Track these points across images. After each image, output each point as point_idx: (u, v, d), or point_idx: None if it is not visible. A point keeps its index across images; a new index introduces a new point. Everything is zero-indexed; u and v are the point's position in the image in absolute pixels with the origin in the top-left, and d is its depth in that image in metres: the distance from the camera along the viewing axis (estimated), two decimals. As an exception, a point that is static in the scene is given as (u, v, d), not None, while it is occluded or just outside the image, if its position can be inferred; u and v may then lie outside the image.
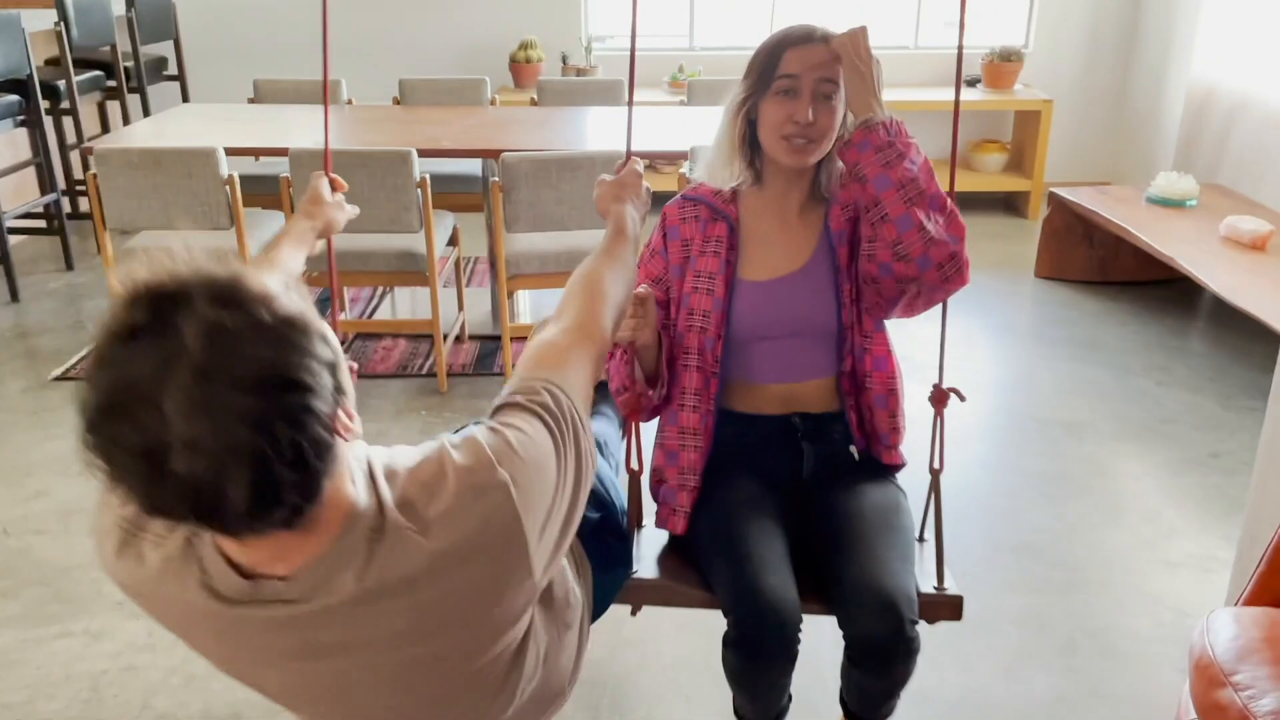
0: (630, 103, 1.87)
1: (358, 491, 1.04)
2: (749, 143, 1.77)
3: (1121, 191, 4.70)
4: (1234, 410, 3.52)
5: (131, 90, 5.45)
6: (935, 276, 1.67)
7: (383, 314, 4.46)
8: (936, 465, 1.82)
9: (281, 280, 0.97)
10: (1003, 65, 5.61)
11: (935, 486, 1.83)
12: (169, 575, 1.07)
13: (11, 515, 2.93)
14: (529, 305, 4.37)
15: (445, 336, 3.84)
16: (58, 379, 3.77)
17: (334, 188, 1.89)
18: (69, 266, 4.85)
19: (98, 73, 5.25)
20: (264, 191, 3.92)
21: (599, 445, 1.86)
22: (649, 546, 1.90)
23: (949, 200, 1.68)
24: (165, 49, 5.80)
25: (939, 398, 1.84)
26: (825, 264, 1.80)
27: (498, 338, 3.97)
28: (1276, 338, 3.18)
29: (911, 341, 4.08)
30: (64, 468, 3.17)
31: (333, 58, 6.47)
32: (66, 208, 5.08)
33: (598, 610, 1.67)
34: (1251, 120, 4.66)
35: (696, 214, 1.84)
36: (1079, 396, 3.64)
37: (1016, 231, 5.51)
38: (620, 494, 1.84)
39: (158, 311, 0.88)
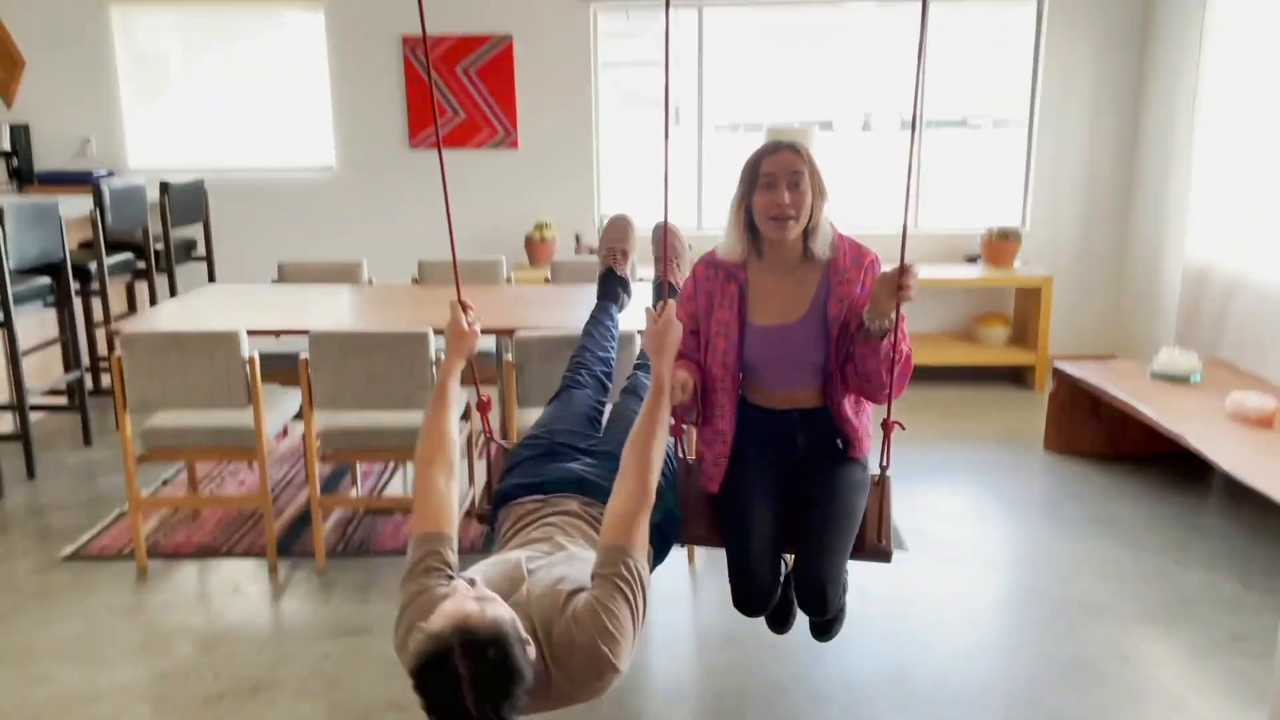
0: (665, 263, 2.67)
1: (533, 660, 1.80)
2: (749, 228, 2.49)
3: (1125, 366, 4.77)
4: (1254, 590, 3.46)
5: (160, 270, 5.65)
6: (881, 401, 2.49)
7: (393, 489, 4.47)
8: (885, 464, 2.55)
9: (494, 606, 1.77)
10: (1001, 244, 5.79)
11: (882, 482, 2.58)
12: None
13: (11, 702, 2.88)
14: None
15: (456, 513, 3.83)
16: (68, 558, 3.76)
17: (465, 310, 2.47)
18: (87, 442, 4.92)
19: (128, 255, 5.46)
20: (283, 368, 4.02)
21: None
22: (693, 505, 2.64)
23: (909, 365, 2.43)
24: (194, 230, 6.05)
25: (887, 427, 2.45)
26: (817, 323, 2.49)
27: (508, 514, 3.96)
28: (1291, 517, 3.15)
29: (925, 513, 4.07)
30: (67, 652, 3.13)
31: (354, 238, 6.77)
32: (88, 384, 5.19)
33: (659, 561, 2.39)
34: (1249, 297, 4.76)
35: (716, 274, 2.56)
36: (1096, 575, 3.59)
37: (1024, 403, 5.55)
38: (669, 471, 2.51)
39: (442, 660, 1.66)
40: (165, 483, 4.49)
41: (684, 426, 2.61)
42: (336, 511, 4.11)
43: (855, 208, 6.07)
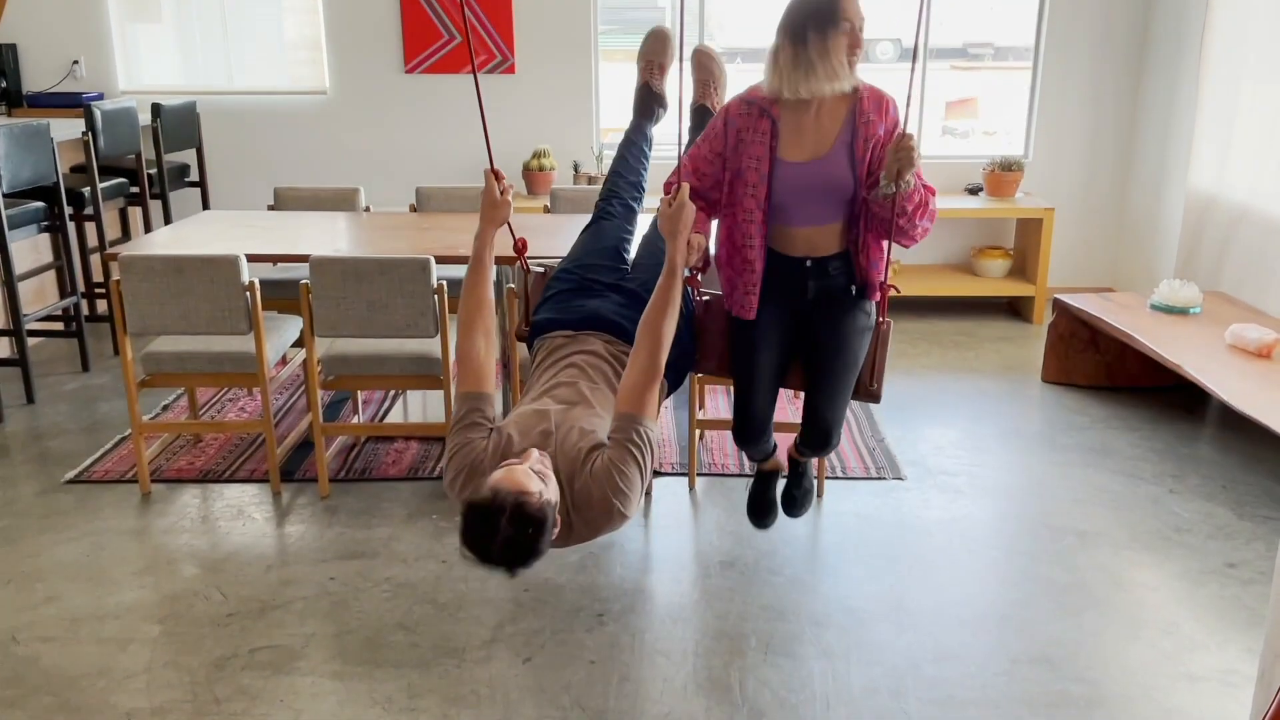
0: (680, 112, 2.56)
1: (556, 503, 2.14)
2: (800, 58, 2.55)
3: (1125, 298, 4.77)
4: (1248, 519, 3.51)
5: (154, 196, 5.58)
6: (901, 243, 2.67)
7: (394, 417, 4.48)
8: (882, 319, 2.76)
9: (550, 491, 2.09)
10: (1004, 175, 5.74)
11: (878, 331, 2.76)
12: None
13: (20, 621, 2.91)
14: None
15: (457, 440, 3.85)
16: (70, 482, 3.78)
17: (498, 179, 2.63)
18: (85, 368, 4.91)
19: (121, 180, 5.39)
20: (281, 296, 3.99)
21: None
22: (708, 342, 2.85)
23: (927, 210, 2.62)
24: (188, 155, 5.96)
25: (883, 289, 2.72)
26: (843, 156, 2.60)
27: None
28: (1287, 446, 3.18)
29: (924, 444, 4.10)
30: (74, 573, 3.16)
31: (351, 166, 6.69)
32: (85, 310, 5.16)
33: (673, 391, 2.70)
34: (1252, 230, 4.75)
35: (749, 111, 2.63)
36: (1092, 504, 3.63)
37: (1021, 336, 5.56)
38: (689, 311, 2.79)
39: (491, 514, 1.97)
40: (165, 408, 4.49)
41: (698, 277, 2.79)
42: (338, 439, 4.12)
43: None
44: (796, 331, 2.78)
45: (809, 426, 2.76)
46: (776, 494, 3.12)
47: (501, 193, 2.61)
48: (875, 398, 2.81)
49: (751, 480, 3.16)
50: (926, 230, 2.66)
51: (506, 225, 2.67)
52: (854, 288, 2.75)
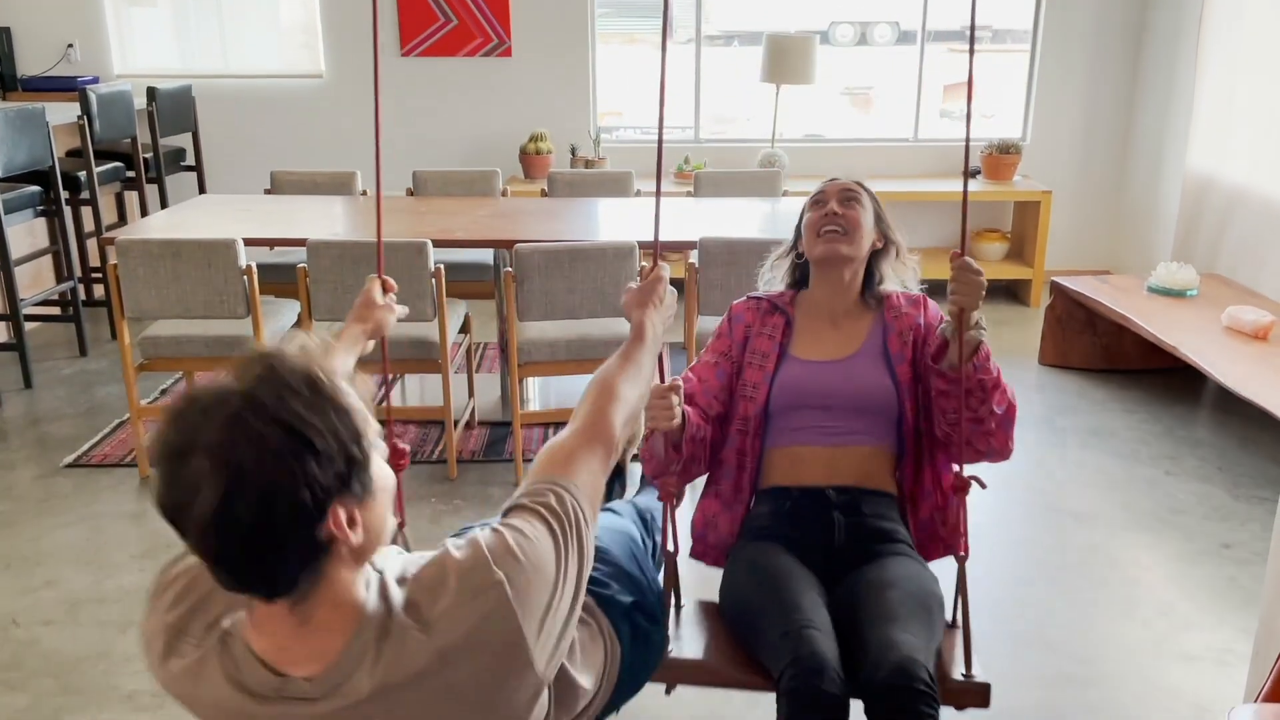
0: (657, 210, 1.89)
1: (369, 597, 1.17)
2: (797, 268, 2.23)
3: (1122, 281, 4.77)
4: (1243, 500, 3.52)
5: (150, 180, 5.56)
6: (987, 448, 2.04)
7: (393, 400, 4.48)
8: (962, 552, 1.90)
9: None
10: (1001, 158, 5.74)
11: (961, 573, 1.90)
12: (204, 674, 1.18)
13: (20, 605, 2.92)
14: (538, 391, 4.40)
15: (455, 423, 3.86)
16: (69, 466, 3.78)
17: (385, 289, 1.93)
18: (83, 353, 4.90)
19: (117, 164, 5.37)
20: (278, 280, 3.98)
21: (645, 520, 2.05)
22: (687, 626, 1.99)
23: (1004, 396, 1.98)
24: (183, 140, 5.94)
25: (960, 485, 1.94)
26: (876, 355, 2.08)
27: (507, 424, 3.99)
28: (1283, 428, 3.19)
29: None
30: (74, 557, 3.17)
31: (347, 150, 6.63)
32: (81, 295, 5.15)
33: (631, 689, 1.71)
34: (1249, 211, 4.75)
35: (757, 306, 2.19)
36: (1089, 486, 3.64)
37: (1019, 318, 5.57)
38: (654, 575, 1.89)
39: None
40: (163, 392, 4.49)
41: (671, 489, 1.95)
42: (336, 422, 4.11)
43: (855, 119, 5.99)
44: (827, 583, 1.92)
45: (873, 661, 1.66)
46: None
47: (385, 295, 1.91)
48: (984, 696, 1.84)
49: None
50: (1006, 425, 1.98)
51: (385, 370, 2.00)
52: (905, 539, 2.00)
